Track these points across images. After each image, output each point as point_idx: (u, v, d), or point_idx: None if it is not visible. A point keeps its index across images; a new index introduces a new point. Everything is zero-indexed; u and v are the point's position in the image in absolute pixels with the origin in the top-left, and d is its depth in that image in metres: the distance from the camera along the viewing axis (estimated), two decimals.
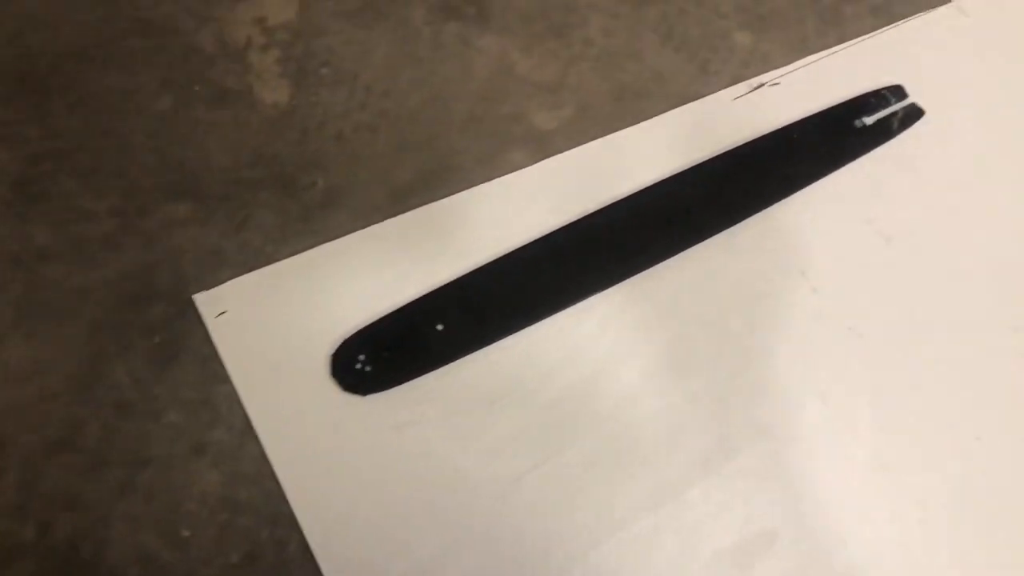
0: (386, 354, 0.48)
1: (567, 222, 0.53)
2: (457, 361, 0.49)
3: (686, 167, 0.55)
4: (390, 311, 0.49)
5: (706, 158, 0.56)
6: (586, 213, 0.53)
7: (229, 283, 0.49)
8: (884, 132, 0.58)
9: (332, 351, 0.48)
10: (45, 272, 0.48)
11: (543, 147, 0.55)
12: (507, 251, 0.51)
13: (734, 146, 0.56)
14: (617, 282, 0.52)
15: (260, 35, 0.56)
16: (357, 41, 0.57)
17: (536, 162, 0.55)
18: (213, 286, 0.49)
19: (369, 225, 0.51)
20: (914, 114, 0.59)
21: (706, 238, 0.53)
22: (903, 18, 0.62)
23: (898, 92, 0.59)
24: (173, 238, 0.50)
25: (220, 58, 0.55)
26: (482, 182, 0.53)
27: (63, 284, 0.48)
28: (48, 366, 0.46)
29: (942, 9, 0.63)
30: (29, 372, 0.46)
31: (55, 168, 0.51)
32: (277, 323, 0.49)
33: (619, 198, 0.54)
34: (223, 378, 0.47)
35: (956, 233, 0.55)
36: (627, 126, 0.57)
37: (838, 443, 0.49)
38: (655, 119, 0.57)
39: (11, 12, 0.54)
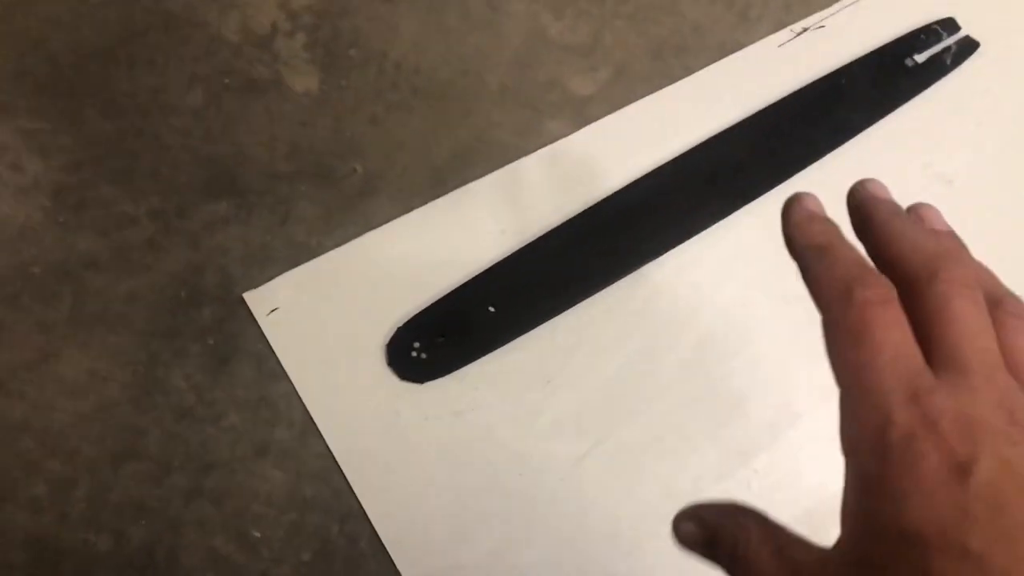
0: (440, 340, 0.48)
1: (612, 191, 0.51)
2: (511, 343, 0.48)
3: (733, 122, 0.53)
4: (441, 296, 0.49)
5: (754, 111, 0.54)
6: (631, 180, 0.51)
7: (277, 279, 0.48)
8: (938, 69, 0.56)
9: (386, 340, 0.47)
10: (92, 281, 0.48)
11: (582, 114, 0.54)
12: (553, 225, 0.50)
13: (782, 96, 0.54)
14: (669, 249, 0.50)
15: (285, 20, 0.55)
16: (382, 17, 0.55)
17: (576, 130, 0.53)
18: (261, 283, 0.48)
19: (411, 209, 0.51)
20: (968, 47, 0.56)
21: (759, 195, 0.52)
22: None
23: (950, 25, 0.57)
24: (216, 237, 0.49)
25: (246, 47, 0.54)
26: (521, 156, 0.52)
27: (111, 292, 0.48)
28: (105, 376, 0.46)
29: None
30: (86, 384, 0.46)
31: (92, 174, 0.50)
32: (329, 316, 0.48)
33: (665, 161, 0.52)
34: (280, 376, 0.47)
35: (1021, 171, 0.53)
36: (668, 84, 0.55)
37: None
38: (697, 74, 0.55)
39: (31, 18, 0.53)
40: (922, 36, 0.56)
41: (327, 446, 0.45)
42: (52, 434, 0.45)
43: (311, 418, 0.46)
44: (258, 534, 0.44)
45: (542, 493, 0.46)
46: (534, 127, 0.53)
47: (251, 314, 0.48)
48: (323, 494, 0.45)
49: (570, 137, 0.53)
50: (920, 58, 0.55)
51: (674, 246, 0.51)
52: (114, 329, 0.47)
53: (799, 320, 0.49)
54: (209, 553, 0.44)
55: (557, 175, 0.52)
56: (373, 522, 0.44)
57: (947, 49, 0.56)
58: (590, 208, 0.51)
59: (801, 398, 0.48)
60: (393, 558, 0.44)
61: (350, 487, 0.45)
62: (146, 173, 0.51)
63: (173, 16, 0.54)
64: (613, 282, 0.50)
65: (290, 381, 0.46)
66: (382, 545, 0.44)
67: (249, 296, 0.48)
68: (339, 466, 0.45)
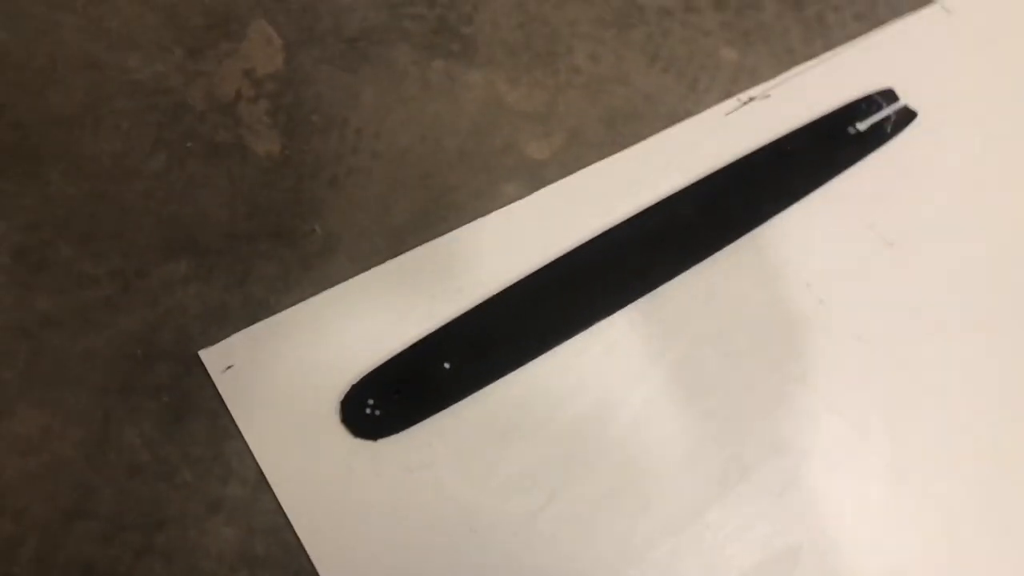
0: (395, 396, 0.48)
1: (566, 251, 0.52)
2: (466, 399, 0.48)
3: (682, 187, 0.55)
4: (396, 353, 0.49)
5: (702, 176, 0.56)
6: (585, 240, 0.53)
7: (234, 337, 0.49)
8: (878, 137, 0.58)
9: (341, 397, 0.48)
10: (49, 339, 0.48)
11: (537, 177, 0.55)
12: (508, 284, 0.51)
13: (729, 162, 0.56)
14: (620, 307, 0.51)
15: (249, 87, 0.56)
16: (344, 86, 0.57)
17: (531, 193, 0.55)
18: (218, 341, 0.49)
19: (369, 268, 0.51)
20: (907, 116, 0.59)
21: (707, 256, 0.53)
22: (887, 21, 0.62)
23: (889, 96, 0.59)
24: (175, 296, 0.50)
25: (210, 113, 0.55)
26: (478, 217, 0.53)
27: (68, 350, 0.48)
28: (58, 434, 0.46)
29: (925, 10, 0.63)
30: (39, 441, 0.46)
31: (53, 235, 0.51)
32: (284, 373, 0.48)
33: (617, 223, 0.53)
34: (233, 433, 0.47)
35: (958, 232, 0.55)
36: (620, 150, 0.57)
37: (854, 454, 0.49)
38: (647, 141, 0.57)
39: None
40: (863, 105, 0.59)
41: (279, 503, 0.45)
42: (1, 492, 0.45)
43: (263, 475, 0.46)
44: None
45: (495, 550, 0.46)
46: (491, 190, 0.55)
47: (206, 371, 0.48)
48: (274, 551, 0.45)
49: (526, 199, 0.54)
50: (862, 126, 0.58)
51: (626, 304, 0.52)
52: (69, 387, 0.47)
53: (749, 375, 0.50)
54: None
55: (513, 235, 0.53)
56: None
57: (887, 118, 0.58)
58: (545, 267, 0.52)
59: (751, 451, 0.48)
60: None
61: (301, 544, 0.45)
62: (107, 234, 0.51)
63: (139, 84, 0.56)
64: (567, 339, 0.50)
65: (243, 438, 0.47)
66: None
67: (205, 353, 0.48)
68: (290, 523, 0.45)
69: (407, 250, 0.52)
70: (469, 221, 0.53)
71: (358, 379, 0.48)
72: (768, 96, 0.59)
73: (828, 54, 0.61)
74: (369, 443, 0.47)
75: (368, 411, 0.47)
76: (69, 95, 0.55)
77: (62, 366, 0.48)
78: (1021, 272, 0.54)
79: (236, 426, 0.47)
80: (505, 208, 0.54)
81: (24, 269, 0.50)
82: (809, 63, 0.61)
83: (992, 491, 0.49)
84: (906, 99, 0.59)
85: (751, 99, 0.59)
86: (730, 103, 0.59)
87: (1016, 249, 0.55)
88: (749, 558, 0.46)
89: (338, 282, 0.51)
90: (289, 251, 0.52)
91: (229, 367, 0.48)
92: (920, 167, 0.57)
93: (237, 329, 0.49)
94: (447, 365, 0.49)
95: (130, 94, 0.55)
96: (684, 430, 0.49)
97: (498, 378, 0.49)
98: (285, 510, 0.45)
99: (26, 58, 0.55)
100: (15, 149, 0.53)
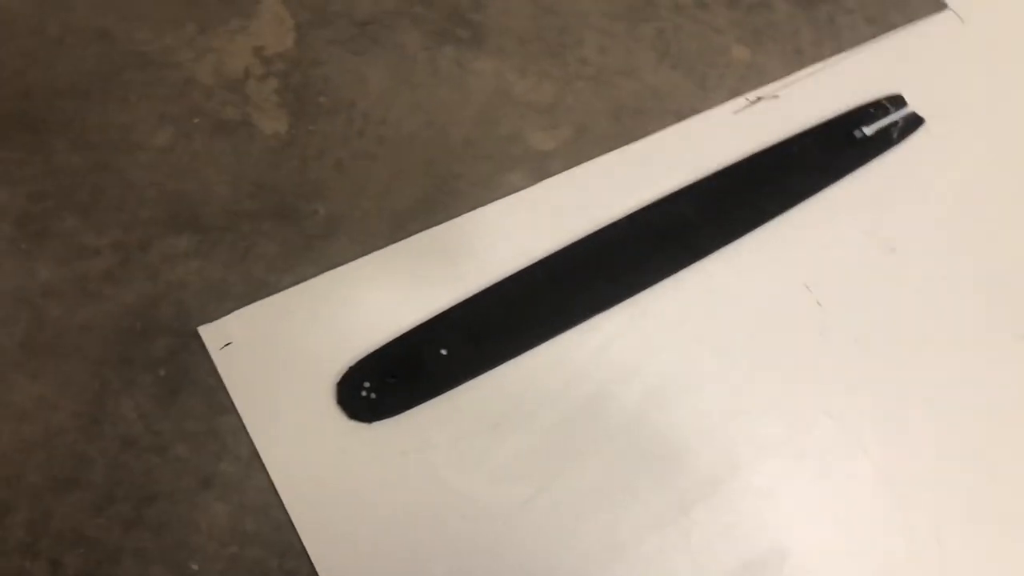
0: (391, 380, 0.48)
1: (568, 243, 0.53)
2: (461, 386, 0.49)
3: (686, 184, 0.55)
4: (394, 337, 0.49)
5: (706, 174, 0.56)
6: (587, 233, 0.53)
7: (233, 314, 0.49)
8: (884, 142, 0.58)
9: (337, 379, 0.48)
10: (49, 309, 0.48)
11: (542, 168, 0.55)
12: (509, 273, 0.51)
13: (734, 161, 0.56)
14: (619, 302, 0.52)
15: (258, 65, 0.56)
16: (353, 69, 0.57)
17: (535, 183, 0.55)
18: (217, 318, 0.49)
19: (371, 252, 0.52)
20: (914, 123, 0.59)
21: (708, 254, 0.53)
22: (899, 26, 0.62)
23: (897, 101, 0.59)
24: (176, 271, 0.50)
25: (218, 89, 0.55)
26: (481, 205, 0.54)
27: (67, 321, 0.48)
28: (54, 403, 0.46)
29: (938, 16, 0.63)
30: (35, 410, 0.46)
31: (57, 205, 0.51)
32: (282, 352, 0.49)
33: (619, 217, 0.54)
34: (229, 409, 0.47)
35: (959, 241, 0.55)
36: (626, 144, 0.57)
37: (846, 458, 0.49)
38: (654, 136, 0.57)
39: (9, 52, 0.54)
40: (871, 110, 0.59)
41: (271, 481, 0.46)
42: None
43: (257, 452, 0.46)
44: (196, 566, 0.44)
45: (485, 536, 0.46)
46: (494, 179, 0.55)
47: (205, 347, 0.48)
48: (264, 529, 0.45)
49: (529, 189, 0.55)
50: (868, 130, 0.58)
51: (625, 299, 0.52)
52: (67, 357, 0.48)
53: (742, 375, 0.50)
54: None
55: (515, 225, 0.53)
56: (312, 559, 0.44)
57: (894, 123, 0.58)
58: (546, 258, 0.52)
59: (741, 451, 0.49)
60: None
61: (291, 523, 0.45)
62: (111, 206, 0.51)
63: (149, 58, 0.56)
64: (564, 330, 0.51)
65: (239, 415, 0.47)
66: None
67: (204, 330, 0.48)
68: (282, 501, 0.45)
69: (409, 235, 0.52)
70: (472, 209, 0.54)
71: (355, 361, 0.48)
72: (776, 96, 0.59)
73: (838, 57, 0.61)
74: (364, 426, 0.47)
75: (364, 394, 0.48)
76: (78, 65, 0.55)
77: (61, 336, 0.48)
78: (1018, 282, 0.54)
79: (232, 403, 0.47)
80: (508, 197, 0.54)
81: (26, 238, 0.50)
82: (818, 65, 0.61)
83: (982, 500, 0.49)
84: (914, 105, 0.59)
85: (759, 99, 0.59)
86: (738, 102, 0.59)
87: (1015, 258, 0.55)
88: (734, 557, 0.46)
89: (339, 264, 0.51)
90: (291, 231, 0.52)
91: (227, 344, 0.48)
92: (925, 175, 0.57)
93: (236, 306, 0.49)
94: (444, 351, 0.49)
95: (139, 67, 0.55)
96: (676, 427, 0.49)
97: (494, 367, 0.49)
98: (277, 488, 0.45)
99: (37, 27, 0.55)
100: (22, 117, 0.53)
